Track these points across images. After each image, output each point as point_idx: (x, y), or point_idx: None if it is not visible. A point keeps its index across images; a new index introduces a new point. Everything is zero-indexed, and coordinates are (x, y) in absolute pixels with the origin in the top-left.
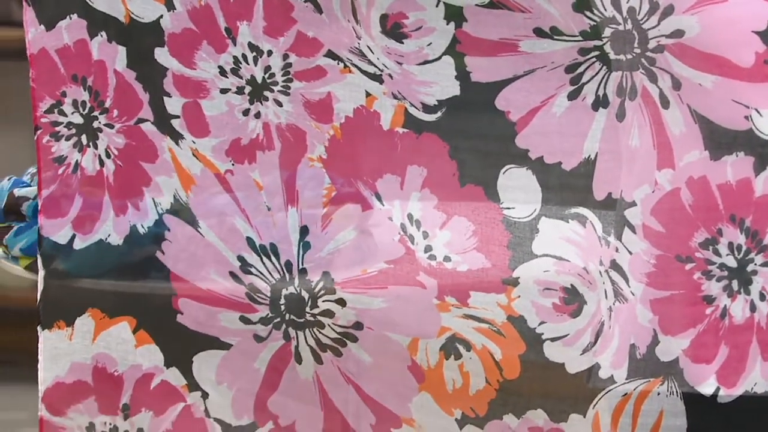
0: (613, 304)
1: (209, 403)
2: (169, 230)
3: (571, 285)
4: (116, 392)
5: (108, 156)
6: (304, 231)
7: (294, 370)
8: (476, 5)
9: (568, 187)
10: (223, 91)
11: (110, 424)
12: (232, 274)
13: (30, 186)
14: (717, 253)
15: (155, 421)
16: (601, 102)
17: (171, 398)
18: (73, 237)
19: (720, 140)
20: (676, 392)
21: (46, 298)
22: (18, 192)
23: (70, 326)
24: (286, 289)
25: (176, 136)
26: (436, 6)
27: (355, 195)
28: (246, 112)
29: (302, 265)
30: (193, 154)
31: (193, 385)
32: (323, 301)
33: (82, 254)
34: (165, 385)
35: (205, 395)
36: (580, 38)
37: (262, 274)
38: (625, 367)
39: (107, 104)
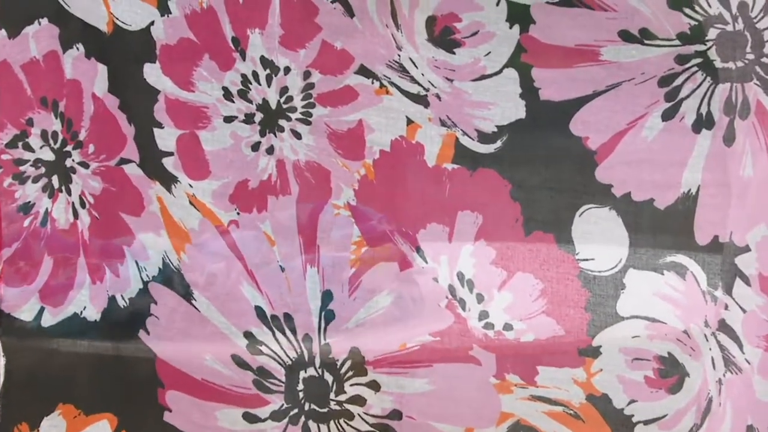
0: (723, 375)
1: None
2: (156, 303)
3: (669, 353)
4: None
5: (83, 205)
6: (326, 297)
7: None
8: (547, 2)
9: (662, 230)
10: (228, 119)
11: None
12: (236, 358)
13: None
14: None
15: None
16: (704, 122)
17: None
18: (41, 311)
19: None
20: None
21: (7, 390)
22: None
23: (35, 430)
24: (305, 371)
25: (168, 180)
26: (497, 5)
27: (392, 251)
28: (256, 147)
29: (324, 339)
30: (190, 202)
31: None
32: (351, 385)
33: (51, 330)
34: None
35: None
36: (677, 42)
37: (275, 353)
38: None
39: (81, 137)
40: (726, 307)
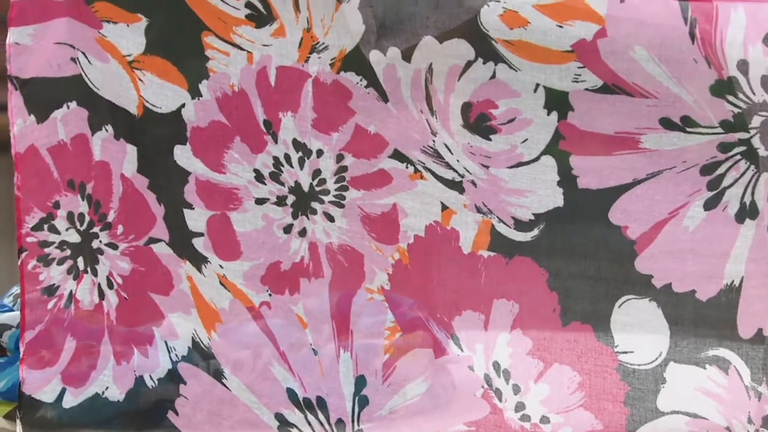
0: None
1: None
2: (185, 384)
3: None
4: None
5: (110, 286)
6: (360, 382)
7: None
8: (586, 89)
9: (704, 323)
10: (260, 201)
11: None
12: None
13: (13, 310)
14: None
15: None
16: (748, 212)
17: None
18: (63, 392)
19: None
20: None
21: None
22: None
23: None
24: None
25: (199, 260)
26: (534, 91)
27: (426, 337)
28: (288, 229)
29: (358, 425)
30: (221, 282)
31: None
32: None
33: (72, 412)
34: None
35: None
36: (720, 130)
37: None
38: None
39: (110, 218)
40: None
